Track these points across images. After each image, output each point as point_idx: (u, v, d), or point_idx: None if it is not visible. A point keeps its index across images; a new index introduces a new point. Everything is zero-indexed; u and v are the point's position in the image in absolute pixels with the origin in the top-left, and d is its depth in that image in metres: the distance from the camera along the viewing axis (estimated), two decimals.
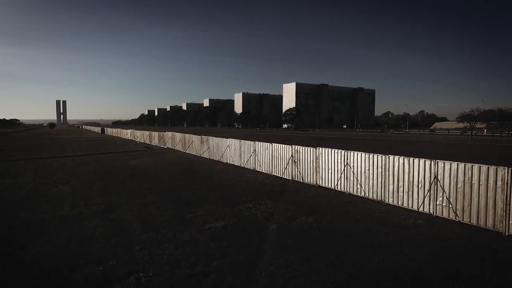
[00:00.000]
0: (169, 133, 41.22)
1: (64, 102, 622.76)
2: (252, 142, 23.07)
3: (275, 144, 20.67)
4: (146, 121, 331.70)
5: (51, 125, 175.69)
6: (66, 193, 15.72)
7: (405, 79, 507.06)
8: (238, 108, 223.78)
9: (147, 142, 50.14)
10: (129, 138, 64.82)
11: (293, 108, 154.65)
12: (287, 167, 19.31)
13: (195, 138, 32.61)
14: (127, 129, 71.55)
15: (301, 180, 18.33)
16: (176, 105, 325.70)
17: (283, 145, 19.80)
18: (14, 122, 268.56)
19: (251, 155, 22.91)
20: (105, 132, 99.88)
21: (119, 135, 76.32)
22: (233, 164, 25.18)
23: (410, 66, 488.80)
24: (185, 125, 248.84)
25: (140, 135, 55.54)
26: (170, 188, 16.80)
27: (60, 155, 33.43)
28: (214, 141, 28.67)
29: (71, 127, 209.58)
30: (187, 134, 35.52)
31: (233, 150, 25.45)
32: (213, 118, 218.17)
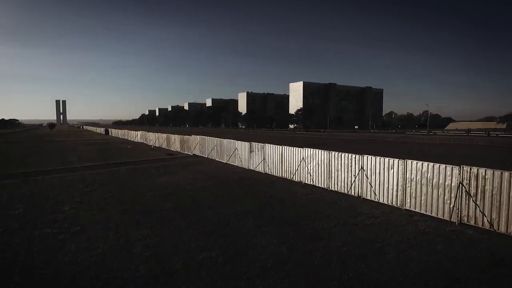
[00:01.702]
0: (197, 137, 33.10)
1: (64, 102, 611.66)
2: (357, 156, 15.09)
3: (413, 161, 12.70)
4: (147, 121, 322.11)
5: (51, 125, 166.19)
6: (83, 269, 7.68)
7: (405, 79, 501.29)
8: (242, 107, 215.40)
9: (164, 147, 41.98)
10: (139, 141, 56.61)
11: (304, 107, 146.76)
12: (449, 201, 11.35)
13: (241, 145, 24.55)
14: (137, 131, 63.19)
15: (486, 226, 10.41)
16: (177, 105, 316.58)
17: (439, 165, 11.83)
18: (13, 122, 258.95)
19: (357, 174, 14.92)
20: (110, 133, 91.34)
21: (126, 137, 68.00)
22: (316, 185, 17.20)
23: (409, 65, 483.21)
24: (187, 126, 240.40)
25: (154, 138, 47.33)
26: (275, 251, 8.82)
27: (64, 166, 25.25)
28: (275, 150, 20.65)
29: (71, 128, 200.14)
30: (225, 140, 27.46)
31: (314, 165, 17.43)
32: (216, 118, 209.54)
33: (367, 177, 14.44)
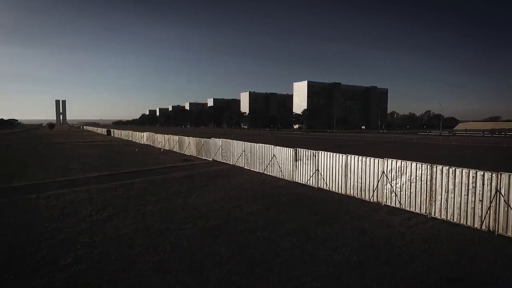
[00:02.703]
0: (218, 140, 28.34)
1: (64, 102, 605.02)
2: (488, 173, 10.43)
3: None
4: (148, 121, 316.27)
5: (51, 125, 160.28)
6: None
7: (404, 78, 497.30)
8: (244, 107, 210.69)
9: (177, 150, 37.25)
10: (145, 142, 51.82)
11: (310, 107, 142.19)
12: None
13: (282, 152, 19.88)
14: (141, 131, 58.33)
15: None
16: (178, 105, 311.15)
17: None
18: (12, 122, 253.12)
19: (491, 200, 10.28)
20: (112, 134, 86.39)
21: (130, 139, 63.12)
22: (407, 210, 12.56)
23: (409, 65, 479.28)
24: (188, 126, 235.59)
25: (164, 140, 42.55)
26: None
27: (65, 177, 20.55)
28: (335, 160, 16.01)
29: (71, 128, 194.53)
30: (258, 144, 22.76)
31: (404, 182, 12.80)
32: (218, 118, 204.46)
33: (510, 206, 9.80)
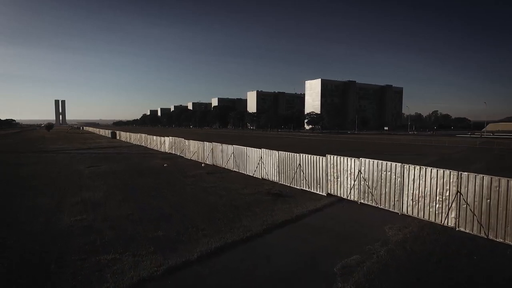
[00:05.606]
0: (346, 160, 14.94)
1: (63, 102, 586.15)
2: None
3: None
4: (149, 121, 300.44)
5: (48, 126, 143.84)
6: None
7: (406, 78, 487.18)
8: (251, 107, 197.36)
9: (231, 167, 23.89)
10: (167, 150, 38.34)
11: (331, 106, 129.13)
12: None
13: None
14: (161, 135, 44.57)
15: None
16: (180, 105, 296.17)
17: None
18: (10, 122, 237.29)
19: None
20: (117, 137, 72.41)
21: (143, 144, 49.46)
22: None
23: (410, 65, 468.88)
24: (191, 126, 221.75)
25: (202, 151, 29.01)
26: None
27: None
28: None
29: (71, 129, 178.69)
30: (487, 176, 9.50)
31: None
32: (224, 118, 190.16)
33: None
